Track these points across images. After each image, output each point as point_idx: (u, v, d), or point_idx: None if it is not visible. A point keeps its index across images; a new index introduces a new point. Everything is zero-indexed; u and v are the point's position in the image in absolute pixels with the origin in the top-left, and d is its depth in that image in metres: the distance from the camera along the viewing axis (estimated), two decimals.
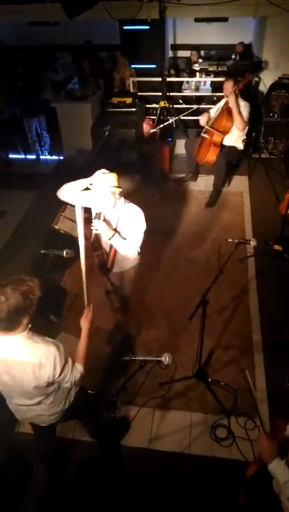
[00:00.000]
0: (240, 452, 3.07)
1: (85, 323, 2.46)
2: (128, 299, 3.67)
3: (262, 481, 2.07)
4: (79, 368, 2.29)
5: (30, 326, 2.08)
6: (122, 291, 3.57)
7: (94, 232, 2.96)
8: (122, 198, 3.01)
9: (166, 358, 2.41)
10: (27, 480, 2.99)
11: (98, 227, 2.90)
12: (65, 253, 3.33)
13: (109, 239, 2.93)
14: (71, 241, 4.74)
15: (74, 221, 4.85)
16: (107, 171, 2.92)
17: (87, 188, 2.96)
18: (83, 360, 2.34)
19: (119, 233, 2.96)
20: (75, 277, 4.61)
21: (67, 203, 4.62)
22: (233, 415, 3.29)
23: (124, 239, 2.98)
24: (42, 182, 6.03)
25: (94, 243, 3.16)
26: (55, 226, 4.72)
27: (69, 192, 3.02)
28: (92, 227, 2.93)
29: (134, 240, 2.98)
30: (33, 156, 7.20)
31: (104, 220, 2.96)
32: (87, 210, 3.17)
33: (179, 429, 3.25)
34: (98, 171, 2.94)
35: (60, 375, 2.15)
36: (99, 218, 2.94)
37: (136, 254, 3.05)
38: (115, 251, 3.12)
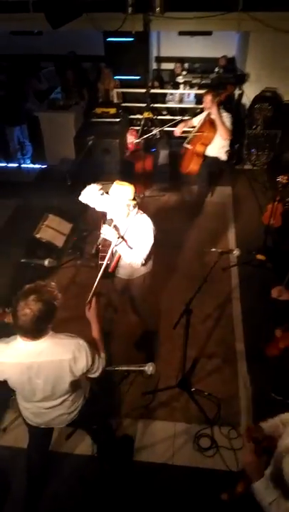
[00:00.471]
0: (224, 462, 3.03)
1: (91, 314, 2.49)
2: (138, 305, 3.71)
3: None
4: (102, 355, 2.36)
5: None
6: (129, 297, 3.67)
7: (101, 236, 3.07)
8: (136, 209, 3.10)
9: (149, 368, 2.38)
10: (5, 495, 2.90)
11: (106, 232, 3.01)
12: (46, 262, 3.29)
13: (116, 245, 3.02)
14: (53, 250, 4.71)
15: (55, 230, 4.84)
16: (125, 183, 3.05)
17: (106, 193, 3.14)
18: (103, 347, 2.41)
19: (126, 241, 3.05)
20: (58, 286, 4.54)
21: (49, 212, 4.63)
22: (217, 425, 3.27)
23: (131, 248, 3.05)
24: (23, 190, 5.98)
25: (100, 245, 3.30)
26: (37, 235, 4.68)
27: (90, 194, 3.25)
28: (100, 232, 3.05)
29: (140, 249, 3.06)
30: (15, 165, 7.15)
31: (114, 226, 3.04)
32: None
33: (162, 440, 3.21)
34: (115, 183, 3.08)
35: (92, 364, 2.21)
36: (110, 224, 3.04)
37: (140, 264, 3.11)
38: (119, 257, 3.21)
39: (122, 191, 2.99)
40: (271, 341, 2.54)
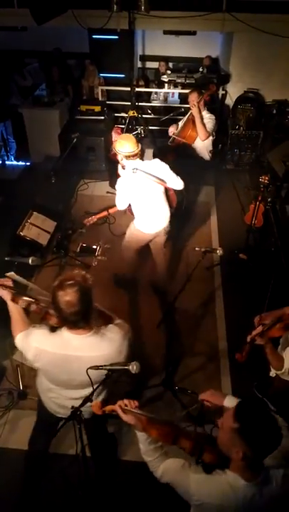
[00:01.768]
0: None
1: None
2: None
3: None
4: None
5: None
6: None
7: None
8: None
9: (133, 367, 2.38)
10: None
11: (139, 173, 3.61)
12: (30, 260, 3.26)
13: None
14: (37, 248, 4.68)
15: (40, 228, 4.80)
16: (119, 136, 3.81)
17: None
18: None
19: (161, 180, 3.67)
20: (42, 285, 4.52)
21: (33, 210, 4.59)
22: (200, 422, 3.30)
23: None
24: (7, 188, 5.90)
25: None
26: (21, 233, 4.64)
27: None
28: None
29: (174, 177, 3.74)
30: None
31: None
32: None
33: None
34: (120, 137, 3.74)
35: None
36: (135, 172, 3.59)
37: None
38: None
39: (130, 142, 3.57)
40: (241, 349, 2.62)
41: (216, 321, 4.19)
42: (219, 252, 3.47)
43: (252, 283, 4.48)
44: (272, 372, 2.60)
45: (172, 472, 1.77)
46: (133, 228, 4.04)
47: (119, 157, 3.66)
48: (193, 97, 5.08)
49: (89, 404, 2.10)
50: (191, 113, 5.25)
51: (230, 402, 2.00)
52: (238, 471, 1.60)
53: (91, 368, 2.03)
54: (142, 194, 3.72)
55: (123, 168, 3.73)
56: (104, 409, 1.97)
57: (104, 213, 4.26)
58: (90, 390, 2.17)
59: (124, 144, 3.61)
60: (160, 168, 3.72)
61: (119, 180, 3.74)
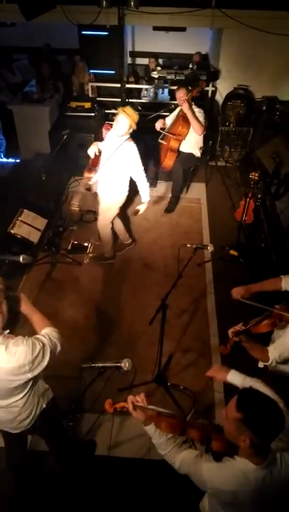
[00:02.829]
0: None
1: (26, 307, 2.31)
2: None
3: None
4: (47, 330, 2.22)
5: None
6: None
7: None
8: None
9: (125, 364, 2.41)
10: None
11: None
12: (21, 258, 3.24)
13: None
14: (28, 246, 4.65)
15: (30, 225, 4.78)
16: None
17: None
18: (48, 324, 2.27)
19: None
20: (33, 283, 4.52)
21: (24, 207, 4.57)
22: (192, 418, 3.33)
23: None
24: None
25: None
26: (12, 231, 4.61)
27: None
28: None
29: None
30: None
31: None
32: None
33: (138, 435, 3.24)
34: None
35: (36, 357, 2.07)
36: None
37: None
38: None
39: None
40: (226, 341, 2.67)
41: (207, 318, 4.22)
42: (210, 248, 3.50)
43: (243, 279, 4.50)
44: (261, 364, 2.64)
45: (187, 463, 1.82)
46: (119, 200, 4.35)
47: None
48: (182, 94, 5.09)
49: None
50: (181, 110, 5.26)
51: (233, 377, 2.10)
52: (246, 456, 1.65)
53: (84, 365, 2.04)
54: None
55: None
56: (116, 407, 2.02)
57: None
58: (16, 398, 2.17)
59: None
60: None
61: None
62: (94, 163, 4.19)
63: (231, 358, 2.85)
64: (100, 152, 4.20)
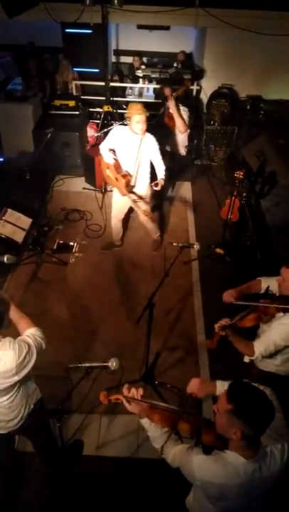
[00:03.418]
0: None
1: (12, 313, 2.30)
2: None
3: None
4: (32, 330, 2.21)
5: None
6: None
7: None
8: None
9: (112, 363, 2.40)
10: None
11: None
12: (5, 259, 3.21)
13: None
14: (12, 246, 4.60)
15: (15, 225, 4.72)
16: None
17: None
18: (30, 324, 2.25)
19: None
20: (18, 283, 4.47)
21: (7, 207, 4.51)
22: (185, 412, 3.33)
23: None
24: None
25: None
26: None
27: None
28: None
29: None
30: None
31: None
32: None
33: (126, 434, 3.24)
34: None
35: (23, 358, 2.07)
36: None
37: None
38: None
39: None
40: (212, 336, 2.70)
41: (194, 316, 4.23)
42: (196, 246, 3.51)
43: (229, 277, 4.54)
44: (246, 359, 2.67)
45: (179, 456, 1.83)
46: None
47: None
48: (168, 91, 5.09)
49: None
50: (166, 108, 5.26)
51: (222, 388, 2.08)
52: (237, 450, 1.66)
53: (71, 365, 2.03)
54: None
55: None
56: (110, 399, 2.03)
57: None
58: (3, 398, 2.17)
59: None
60: None
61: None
62: (117, 168, 4.22)
63: (219, 355, 2.87)
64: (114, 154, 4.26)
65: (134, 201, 4.40)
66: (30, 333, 2.17)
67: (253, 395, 1.60)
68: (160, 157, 4.24)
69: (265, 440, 1.67)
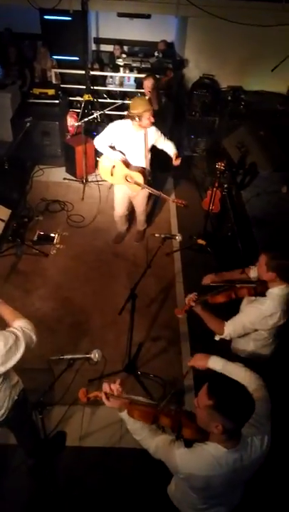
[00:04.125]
0: None
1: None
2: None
3: None
4: (20, 323, 2.17)
5: None
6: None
7: None
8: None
9: (95, 355, 2.39)
10: None
11: None
12: None
13: None
14: None
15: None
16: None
17: None
18: (18, 316, 2.21)
19: None
20: None
21: None
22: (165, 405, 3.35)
23: None
24: None
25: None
26: None
27: None
28: None
29: None
30: None
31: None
32: None
33: (109, 424, 3.25)
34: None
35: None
36: None
37: None
38: None
39: None
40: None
41: (176, 306, 4.25)
42: (178, 238, 3.53)
43: (210, 268, 4.57)
44: (217, 337, 2.72)
45: (161, 449, 1.84)
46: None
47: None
48: (149, 83, 5.05)
49: None
50: (148, 98, 5.21)
51: (213, 363, 2.09)
52: (218, 442, 1.68)
53: (53, 357, 2.01)
54: None
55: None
56: (89, 397, 2.00)
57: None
58: None
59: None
60: None
61: None
62: (127, 164, 4.19)
63: (201, 345, 2.89)
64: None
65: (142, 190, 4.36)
66: (18, 326, 2.14)
67: (233, 389, 1.62)
68: (166, 140, 4.27)
69: (246, 429, 1.69)
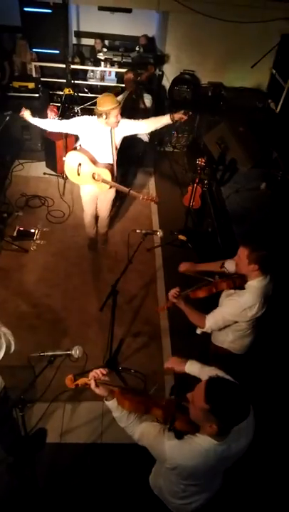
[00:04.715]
0: None
1: None
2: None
3: None
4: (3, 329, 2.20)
5: None
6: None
7: None
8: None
9: (76, 351, 2.39)
10: None
11: None
12: None
13: None
14: None
15: None
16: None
17: None
18: None
19: None
20: None
21: None
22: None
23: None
24: None
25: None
26: None
27: None
28: None
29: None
30: None
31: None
32: None
33: (90, 420, 3.27)
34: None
35: None
36: None
37: None
38: None
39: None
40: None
41: (157, 301, 4.28)
42: (159, 233, 3.54)
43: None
44: (199, 330, 2.79)
45: (148, 437, 1.84)
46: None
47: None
48: (129, 78, 5.03)
49: None
50: (129, 93, 5.20)
51: (190, 367, 2.13)
52: (210, 435, 1.70)
53: (33, 354, 2.00)
54: None
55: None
56: (78, 383, 1.98)
57: None
58: None
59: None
60: None
61: None
62: (93, 160, 3.96)
63: (182, 339, 2.91)
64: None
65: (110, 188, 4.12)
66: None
67: (230, 394, 1.64)
68: (141, 122, 3.93)
69: None
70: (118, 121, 3.75)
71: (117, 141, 3.97)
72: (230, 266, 2.79)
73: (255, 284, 2.56)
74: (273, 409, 3.36)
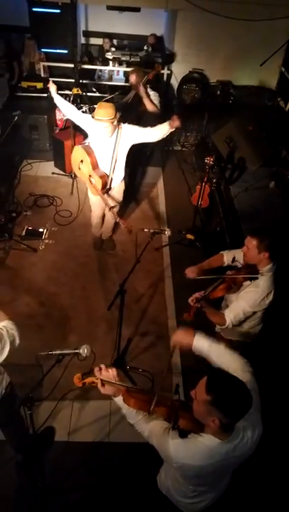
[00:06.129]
0: None
1: None
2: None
3: None
4: (3, 323, 2.20)
5: None
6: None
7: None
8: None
9: (84, 350, 2.39)
10: None
11: None
12: None
13: None
14: None
15: None
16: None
17: None
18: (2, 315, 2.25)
19: None
20: None
21: None
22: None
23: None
24: None
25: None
26: None
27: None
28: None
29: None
30: None
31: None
32: None
33: (98, 419, 3.27)
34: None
35: None
36: None
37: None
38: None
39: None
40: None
41: (165, 301, 4.27)
42: (167, 232, 3.53)
43: (199, 262, 4.59)
44: (218, 328, 2.84)
45: (155, 436, 1.84)
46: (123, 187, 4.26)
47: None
48: (134, 77, 5.01)
49: None
50: (135, 93, 5.18)
51: (199, 342, 2.07)
52: (213, 434, 1.70)
53: (41, 353, 2.00)
54: None
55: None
56: (85, 382, 1.99)
57: None
58: None
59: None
60: None
61: None
62: (94, 165, 3.94)
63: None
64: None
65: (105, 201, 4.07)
66: (3, 326, 2.14)
67: (232, 385, 1.63)
68: (148, 130, 3.81)
69: (240, 421, 1.71)
70: (110, 133, 3.70)
71: (124, 150, 3.90)
72: (231, 256, 2.89)
73: (267, 271, 2.61)
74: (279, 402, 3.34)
